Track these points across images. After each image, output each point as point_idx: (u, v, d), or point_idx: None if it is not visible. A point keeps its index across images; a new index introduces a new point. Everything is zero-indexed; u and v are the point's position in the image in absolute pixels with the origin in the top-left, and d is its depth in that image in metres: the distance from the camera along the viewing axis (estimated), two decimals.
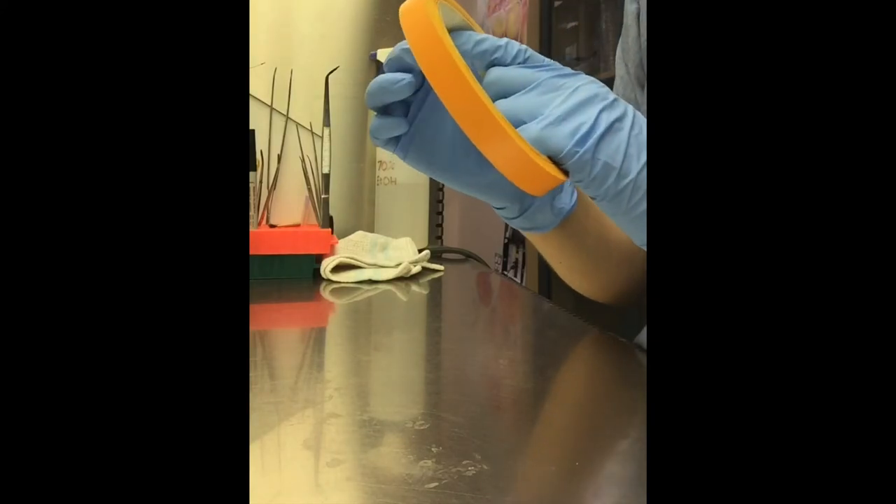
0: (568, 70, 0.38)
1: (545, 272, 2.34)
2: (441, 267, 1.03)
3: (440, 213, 1.36)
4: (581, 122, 0.36)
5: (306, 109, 1.08)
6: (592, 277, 0.63)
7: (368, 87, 0.42)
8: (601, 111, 0.36)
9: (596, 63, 2.57)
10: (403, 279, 0.95)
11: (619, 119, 0.37)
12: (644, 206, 0.37)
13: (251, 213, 0.97)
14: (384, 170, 1.16)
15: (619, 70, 0.68)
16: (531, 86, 0.37)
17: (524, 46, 0.39)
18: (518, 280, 2.47)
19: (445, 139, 0.45)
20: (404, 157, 0.46)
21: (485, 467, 0.36)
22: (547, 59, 0.39)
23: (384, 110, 0.43)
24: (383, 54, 1.16)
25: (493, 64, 0.39)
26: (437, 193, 1.33)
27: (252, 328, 0.68)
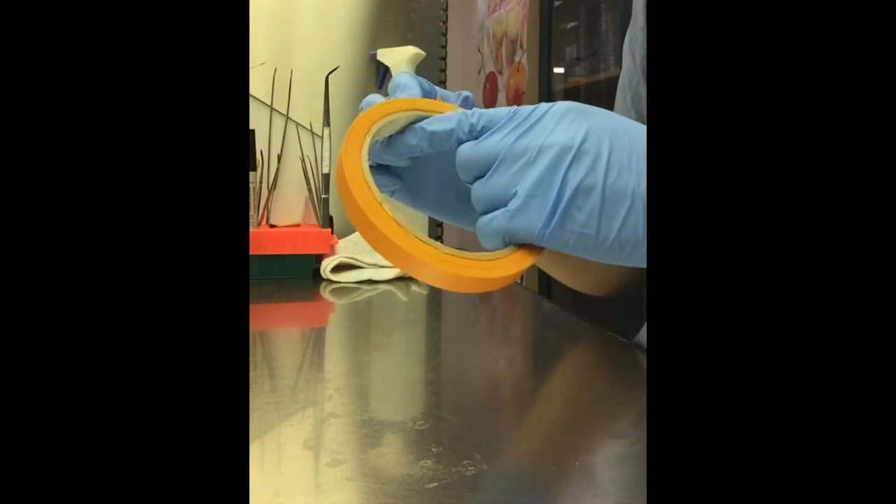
0: (528, 117, 0.36)
1: (545, 272, 2.35)
2: None
3: None
4: (548, 198, 0.33)
5: (306, 109, 1.08)
6: (587, 270, 0.63)
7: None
8: (567, 172, 0.33)
9: (596, 63, 2.57)
10: (403, 279, 0.95)
11: (590, 171, 0.33)
12: (639, 253, 0.34)
13: (251, 213, 0.97)
14: None
15: (626, 60, 0.68)
16: (497, 161, 0.35)
17: (476, 113, 0.37)
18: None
19: (430, 186, 0.45)
20: (391, 196, 0.46)
21: (485, 467, 0.36)
22: (503, 111, 0.37)
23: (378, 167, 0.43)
24: (383, 54, 1.16)
25: (459, 142, 0.38)
26: None
27: (252, 328, 0.68)
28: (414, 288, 0.92)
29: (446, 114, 0.38)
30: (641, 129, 0.36)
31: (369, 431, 0.41)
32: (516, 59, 3.20)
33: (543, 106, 0.36)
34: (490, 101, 3.50)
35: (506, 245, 0.35)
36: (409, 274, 0.34)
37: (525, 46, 2.99)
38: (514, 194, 0.34)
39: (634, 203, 0.33)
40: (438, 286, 0.34)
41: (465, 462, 0.36)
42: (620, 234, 0.33)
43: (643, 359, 0.57)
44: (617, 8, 2.32)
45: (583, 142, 0.34)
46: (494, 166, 0.35)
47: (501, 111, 0.36)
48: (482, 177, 0.35)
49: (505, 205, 0.34)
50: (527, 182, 0.34)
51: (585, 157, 0.33)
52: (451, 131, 0.37)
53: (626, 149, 0.34)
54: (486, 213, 0.35)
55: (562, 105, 0.36)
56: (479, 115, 0.37)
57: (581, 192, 0.33)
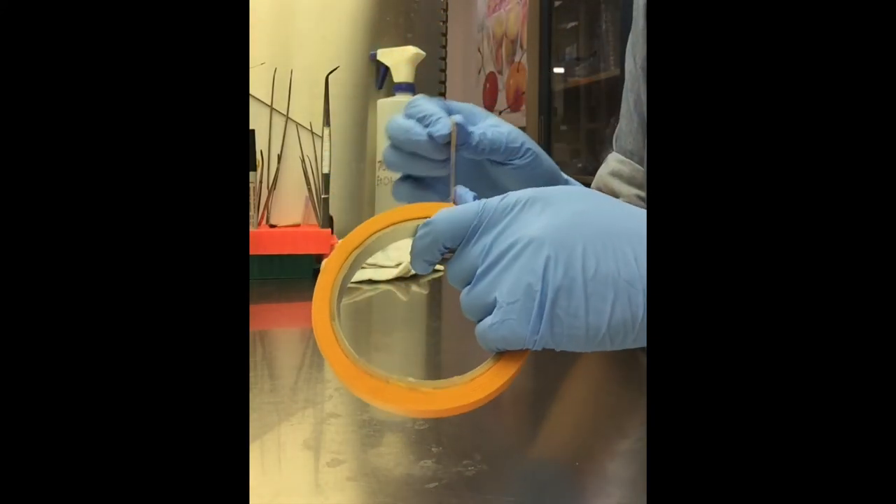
0: (493, 217, 0.34)
1: None
2: (441, 266, 1.03)
3: None
4: (530, 302, 0.32)
5: (306, 109, 1.08)
6: None
7: (394, 128, 0.43)
8: (545, 273, 0.31)
9: (596, 63, 2.57)
10: (403, 279, 0.95)
11: (568, 267, 0.31)
12: (630, 339, 0.32)
13: (251, 213, 0.97)
14: (384, 170, 1.16)
15: (628, 64, 0.68)
16: (476, 270, 0.34)
17: (439, 223, 0.35)
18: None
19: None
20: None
21: (485, 467, 0.36)
22: (470, 213, 0.34)
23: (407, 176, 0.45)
24: (383, 54, 1.16)
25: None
26: None
27: (252, 328, 0.68)
28: (414, 288, 0.92)
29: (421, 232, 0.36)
30: (612, 206, 0.34)
31: (369, 431, 0.41)
32: (516, 59, 3.20)
33: (510, 199, 0.34)
34: (490, 101, 3.50)
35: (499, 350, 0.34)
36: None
37: (525, 46, 2.99)
38: (495, 301, 0.33)
39: (619, 292, 0.31)
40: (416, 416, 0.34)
41: (465, 462, 0.36)
42: (610, 326, 0.31)
43: (643, 359, 0.57)
44: (617, 8, 2.32)
45: (553, 235, 0.32)
46: (476, 276, 0.34)
47: (469, 212, 0.35)
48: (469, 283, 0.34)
49: (490, 312, 0.33)
50: (504, 288, 0.32)
51: (560, 252, 0.32)
52: (436, 243, 0.36)
53: (601, 234, 0.32)
54: (478, 320, 0.34)
55: (524, 194, 0.34)
56: (445, 223, 0.35)
57: (563, 291, 0.31)
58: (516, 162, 0.44)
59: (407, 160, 0.43)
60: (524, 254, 0.32)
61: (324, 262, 0.37)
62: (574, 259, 0.32)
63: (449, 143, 0.41)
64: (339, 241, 0.37)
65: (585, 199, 0.34)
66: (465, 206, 0.35)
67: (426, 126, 0.42)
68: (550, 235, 0.32)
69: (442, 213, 0.35)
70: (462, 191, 0.37)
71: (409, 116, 0.43)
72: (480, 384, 0.34)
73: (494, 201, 0.34)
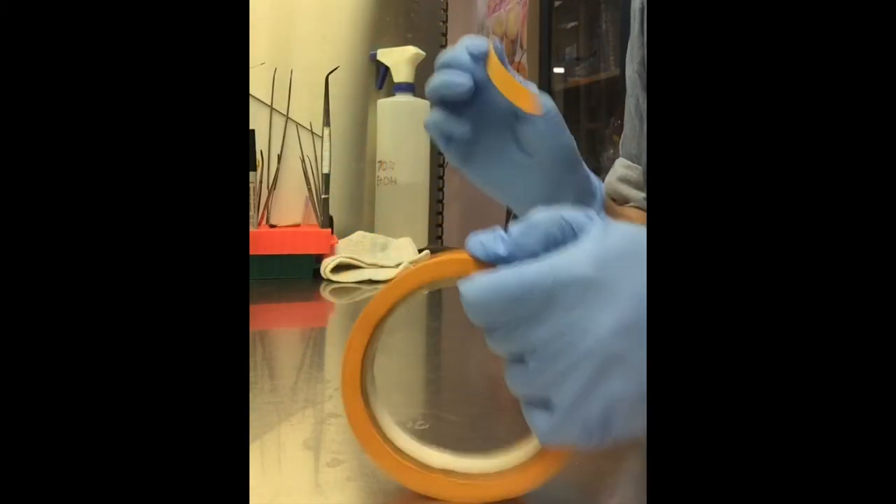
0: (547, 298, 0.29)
1: None
2: None
3: (440, 213, 1.36)
4: (589, 411, 0.29)
5: (306, 109, 1.08)
6: None
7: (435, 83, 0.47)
8: (609, 384, 0.29)
9: (596, 63, 2.57)
10: None
11: (629, 376, 0.28)
12: None
13: (251, 213, 0.97)
14: (384, 170, 1.16)
15: (628, 69, 0.68)
16: (531, 357, 0.30)
17: (495, 289, 0.29)
18: None
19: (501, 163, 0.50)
20: (463, 167, 0.50)
21: None
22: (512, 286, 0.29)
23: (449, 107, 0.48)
24: (383, 54, 1.16)
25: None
26: (437, 193, 1.33)
27: (252, 328, 0.68)
28: None
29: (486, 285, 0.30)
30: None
31: None
32: (516, 59, 3.20)
33: (559, 278, 0.29)
34: None
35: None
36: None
37: (525, 46, 2.98)
38: (551, 401, 0.30)
39: None
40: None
41: None
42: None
43: None
44: (617, 8, 2.32)
45: (618, 345, 0.28)
46: (529, 365, 0.30)
47: (506, 289, 0.29)
48: (519, 360, 0.30)
49: (544, 406, 0.30)
50: (563, 391, 0.29)
51: (627, 364, 0.29)
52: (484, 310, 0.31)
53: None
54: (527, 404, 0.31)
55: (574, 273, 0.29)
56: (478, 304, 0.30)
57: (625, 403, 0.29)
58: (540, 122, 0.49)
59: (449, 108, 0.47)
60: (587, 362, 0.29)
61: (348, 340, 0.35)
62: (639, 370, 0.28)
63: (484, 63, 0.46)
64: (360, 316, 0.35)
65: (643, 270, 0.28)
66: (499, 279, 0.29)
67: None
68: (616, 345, 0.29)
69: (473, 288, 0.30)
70: (474, 241, 0.31)
71: (442, 65, 0.47)
72: (535, 474, 0.33)
73: (540, 279, 0.29)
